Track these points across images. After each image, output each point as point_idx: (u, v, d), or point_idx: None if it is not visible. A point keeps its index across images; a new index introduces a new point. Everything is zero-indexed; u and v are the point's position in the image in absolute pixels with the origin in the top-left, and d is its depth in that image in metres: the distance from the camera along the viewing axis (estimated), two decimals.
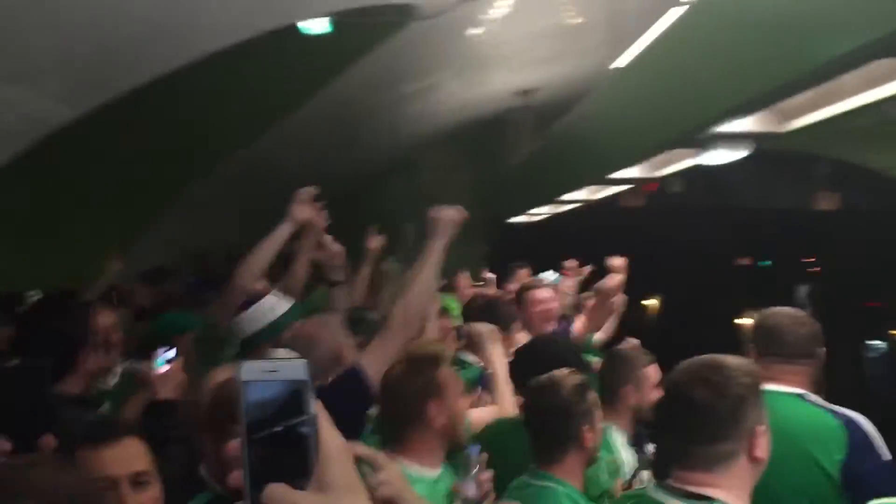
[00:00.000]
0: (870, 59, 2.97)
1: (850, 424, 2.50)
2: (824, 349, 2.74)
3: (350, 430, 2.50)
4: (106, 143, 5.70)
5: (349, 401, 2.67)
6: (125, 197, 6.77)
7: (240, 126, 7.01)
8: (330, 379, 2.92)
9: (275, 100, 6.89)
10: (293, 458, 0.94)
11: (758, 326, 2.79)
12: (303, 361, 0.95)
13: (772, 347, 2.68)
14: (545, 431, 2.57)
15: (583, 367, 3.20)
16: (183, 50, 4.90)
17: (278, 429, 0.93)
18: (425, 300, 2.99)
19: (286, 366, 0.95)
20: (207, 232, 8.36)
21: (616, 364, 3.43)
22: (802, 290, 16.37)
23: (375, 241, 5.05)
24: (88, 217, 6.47)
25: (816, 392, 2.71)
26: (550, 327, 4.33)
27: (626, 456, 3.15)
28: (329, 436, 1.00)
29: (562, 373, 2.66)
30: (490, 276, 6.32)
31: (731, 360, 1.94)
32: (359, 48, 6.41)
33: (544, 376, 2.65)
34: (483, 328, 3.64)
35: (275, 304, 3.29)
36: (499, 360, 3.46)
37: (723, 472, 1.79)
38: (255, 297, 3.31)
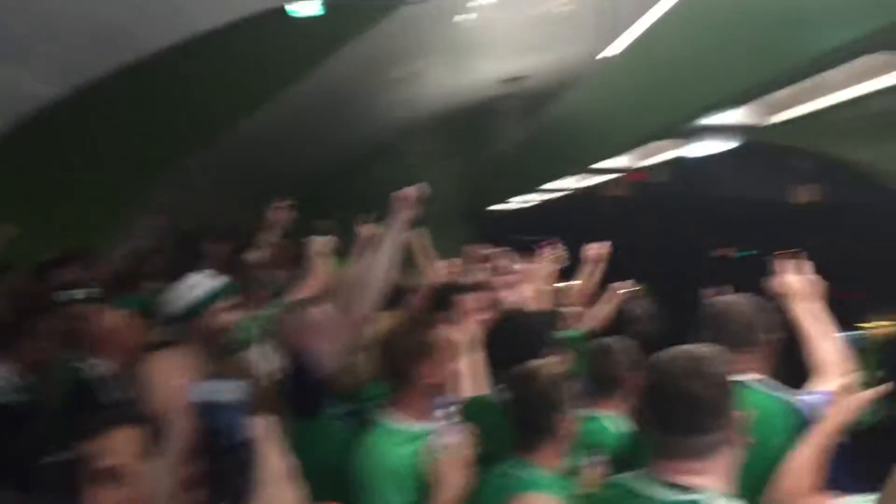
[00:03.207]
0: (858, 55, 3.01)
1: (799, 408, 2.53)
2: (775, 335, 2.70)
3: (308, 404, 2.65)
4: (92, 122, 5.67)
5: (301, 380, 2.87)
6: (111, 175, 6.74)
7: (225, 108, 6.98)
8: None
9: (261, 82, 6.86)
10: (236, 479, 0.95)
11: (706, 315, 2.77)
12: (240, 384, 0.97)
13: (719, 336, 2.60)
14: (523, 420, 2.60)
15: (552, 342, 3.21)
16: (170, 31, 4.87)
17: (224, 450, 0.95)
18: (378, 276, 3.05)
19: (227, 388, 0.97)
20: (192, 211, 8.33)
21: (612, 356, 3.45)
22: None
23: (367, 230, 5.06)
24: (74, 192, 6.44)
25: (775, 378, 2.74)
26: None
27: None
28: (272, 459, 1.00)
29: (541, 362, 2.69)
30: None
31: (706, 349, 1.96)
32: (346, 32, 6.40)
33: (524, 366, 2.67)
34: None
35: (196, 283, 3.24)
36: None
37: (712, 461, 1.81)
38: (181, 277, 3.28)
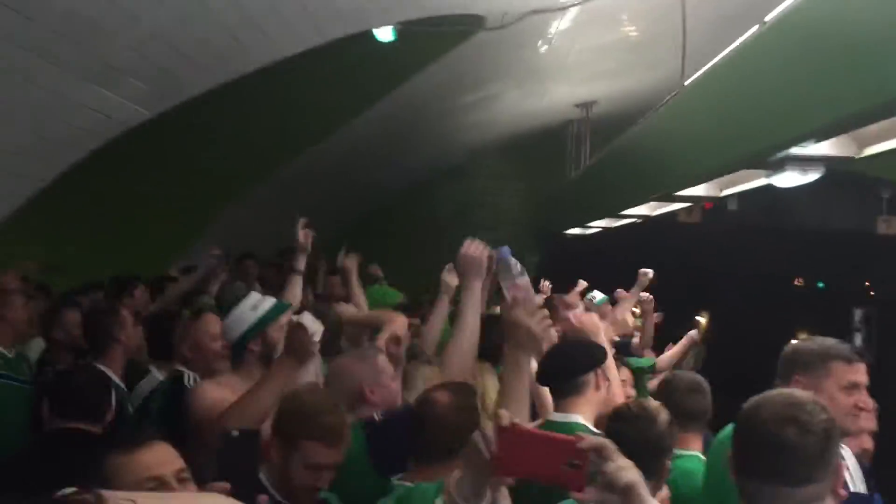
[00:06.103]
0: None
1: None
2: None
3: (396, 466, 2.58)
4: (176, 144, 5.83)
5: (398, 437, 2.72)
6: (190, 195, 6.91)
7: (305, 130, 7.10)
8: (358, 415, 2.96)
9: (339, 105, 6.97)
10: None
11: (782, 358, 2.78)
12: None
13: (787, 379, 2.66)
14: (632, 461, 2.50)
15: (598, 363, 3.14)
16: (255, 55, 4.98)
17: None
18: (473, 342, 3.05)
19: None
20: (264, 233, 8.48)
21: (703, 393, 3.39)
22: (857, 314, 15.99)
23: (350, 260, 5.20)
24: (156, 212, 6.63)
25: None
26: None
27: None
28: None
29: (655, 404, 2.62)
30: None
31: (805, 395, 1.90)
32: (424, 57, 6.46)
33: (636, 405, 2.61)
34: None
35: (256, 303, 3.34)
36: None
37: None
38: (235, 302, 3.38)
